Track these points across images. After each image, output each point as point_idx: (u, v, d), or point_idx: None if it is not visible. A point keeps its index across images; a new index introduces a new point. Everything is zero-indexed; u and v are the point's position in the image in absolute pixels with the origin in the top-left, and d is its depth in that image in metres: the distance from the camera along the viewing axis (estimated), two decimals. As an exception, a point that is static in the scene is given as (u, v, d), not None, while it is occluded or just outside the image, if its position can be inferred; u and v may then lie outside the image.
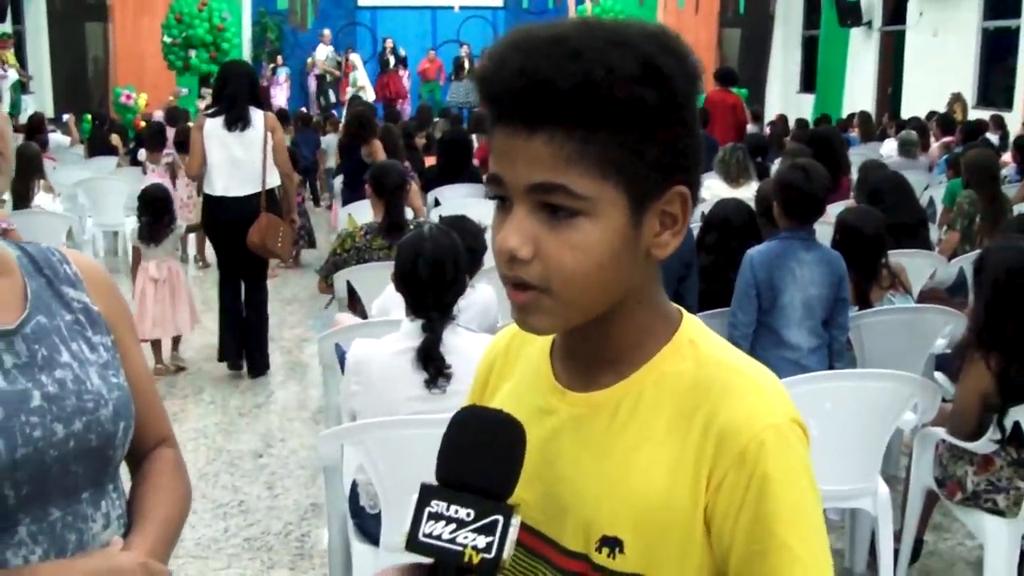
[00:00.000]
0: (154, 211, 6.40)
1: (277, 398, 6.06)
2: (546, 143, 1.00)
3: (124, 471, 1.58)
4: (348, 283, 4.92)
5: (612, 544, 1.08)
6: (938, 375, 4.38)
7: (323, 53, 19.98)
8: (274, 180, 6.20)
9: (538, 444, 1.11)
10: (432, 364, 2.98)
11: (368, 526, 3.08)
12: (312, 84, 20.21)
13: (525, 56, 1.01)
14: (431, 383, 2.99)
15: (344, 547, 3.26)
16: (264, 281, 6.48)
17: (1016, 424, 3.25)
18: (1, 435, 1.34)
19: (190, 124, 9.06)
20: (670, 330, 1.13)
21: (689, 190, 1.07)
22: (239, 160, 6.06)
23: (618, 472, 1.09)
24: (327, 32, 20.25)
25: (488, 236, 4.16)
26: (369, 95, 18.58)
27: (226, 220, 6.13)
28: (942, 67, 15.52)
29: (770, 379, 1.10)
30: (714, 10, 19.46)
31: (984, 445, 3.35)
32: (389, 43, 21.06)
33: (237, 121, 6.02)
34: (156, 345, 6.44)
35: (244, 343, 6.42)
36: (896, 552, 3.63)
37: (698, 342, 1.12)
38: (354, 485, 3.16)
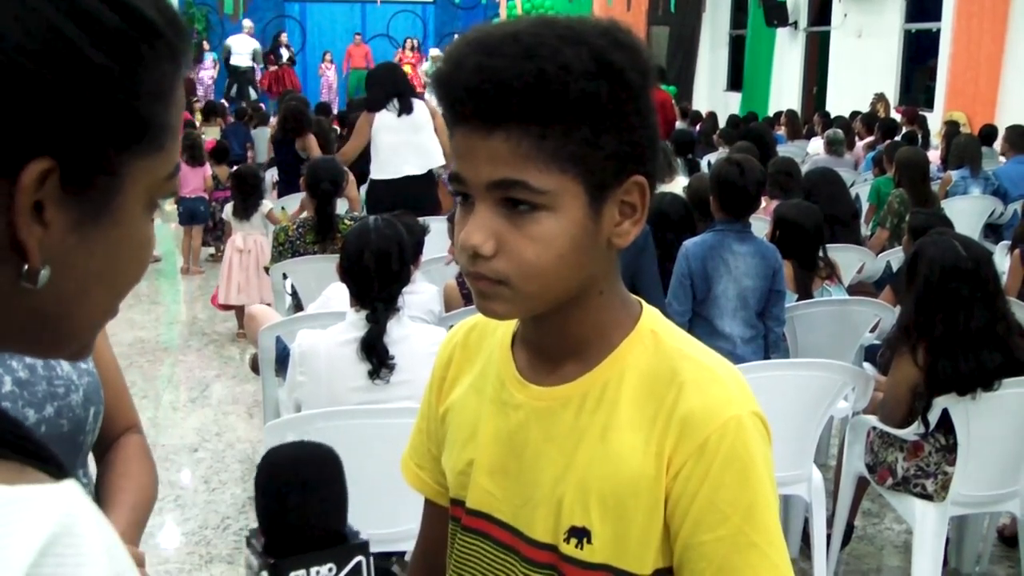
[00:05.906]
0: (245, 189, 6.90)
1: (211, 392, 6.00)
2: (504, 140, 1.01)
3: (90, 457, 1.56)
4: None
5: (580, 535, 1.10)
6: (866, 365, 4.49)
7: (247, 45, 19.46)
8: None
9: (504, 437, 1.12)
10: (375, 355, 2.99)
11: (311, 517, 3.07)
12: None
13: (481, 56, 1.01)
14: (374, 374, 2.99)
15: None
16: None
17: (944, 411, 3.34)
18: None
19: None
20: (631, 320, 1.15)
21: (647, 179, 1.09)
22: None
23: (588, 461, 1.11)
24: (248, 23, 19.66)
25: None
26: None
27: None
28: (866, 67, 15.82)
29: (731, 371, 1.13)
30: (643, 8, 19.54)
31: (913, 433, 3.45)
32: (283, 37, 20.38)
33: None
34: (240, 312, 6.66)
35: None
36: (828, 537, 3.73)
37: (659, 332, 1.14)
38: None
